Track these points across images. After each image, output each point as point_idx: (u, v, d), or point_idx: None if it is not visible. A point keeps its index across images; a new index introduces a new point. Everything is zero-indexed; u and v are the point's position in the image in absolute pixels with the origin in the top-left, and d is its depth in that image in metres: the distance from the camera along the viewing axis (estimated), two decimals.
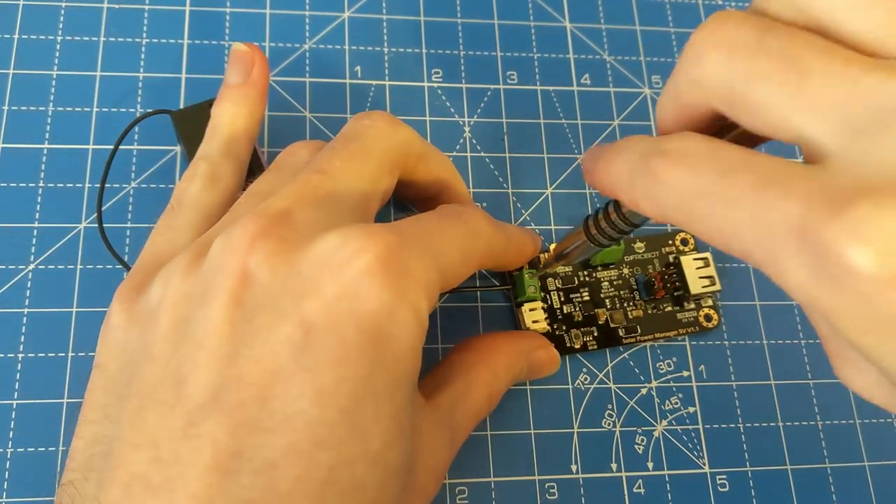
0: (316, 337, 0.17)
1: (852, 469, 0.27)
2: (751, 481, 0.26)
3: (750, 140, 0.15)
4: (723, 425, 0.27)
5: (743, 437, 0.27)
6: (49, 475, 0.24)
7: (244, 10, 0.30)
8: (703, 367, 0.28)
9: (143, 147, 0.28)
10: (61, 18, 0.29)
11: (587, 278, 0.27)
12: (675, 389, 0.27)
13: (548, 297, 0.27)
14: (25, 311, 0.25)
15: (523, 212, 0.29)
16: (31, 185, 0.26)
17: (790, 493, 0.26)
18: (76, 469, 0.19)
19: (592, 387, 0.27)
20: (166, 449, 0.16)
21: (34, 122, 0.27)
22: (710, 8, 0.33)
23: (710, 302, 0.28)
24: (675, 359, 0.28)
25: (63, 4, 0.29)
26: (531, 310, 0.26)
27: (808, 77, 0.13)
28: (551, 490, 0.25)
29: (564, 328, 0.27)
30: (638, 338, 0.27)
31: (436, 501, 0.24)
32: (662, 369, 0.27)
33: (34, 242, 0.26)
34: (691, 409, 0.27)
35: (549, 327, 0.26)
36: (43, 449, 0.24)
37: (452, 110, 0.30)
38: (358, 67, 0.30)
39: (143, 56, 0.29)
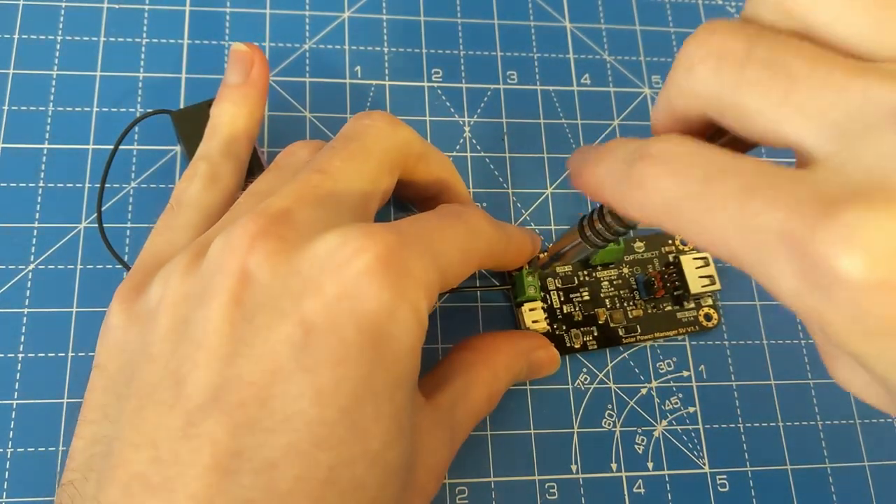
0: (316, 337, 0.17)
1: (852, 469, 0.27)
2: (751, 481, 0.26)
3: (744, 145, 0.15)
4: (723, 425, 0.27)
5: (743, 437, 0.27)
6: (49, 475, 0.24)
7: (244, 10, 0.30)
8: (703, 367, 0.28)
9: (143, 147, 0.28)
10: (61, 18, 0.29)
11: (587, 278, 0.27)
12: (675, 389, 0.27)
13: (548, 296, 0.27)
14: (25, 311, 0.25)
15: (523, 212, 0.29)
16: (31, 185, 0.26)
17: (790, 493, 0.26)
18: (76, 469, 0.19)
19: (592, 387, 0.27)
20: (166, 449, 0.16)
21: (34, 122, 0.27)
22: (709, 8, 0.33)
23: (709, 301, 0.28)
24: (675, 359, 0.28)
25: (63, 4, 0.29)
26: (531, 309, 0.26)
27: (794, 84, 0.13)
28: (551, 490, 0.25)
29: (564, 328, 0.27)
30: (638, 337, 0.27)
31: (436, 501, 0.24)
32: (662, 369, 0.27)
33: (34, 242, 0.26)
34: (691, 409, 0.27)
35: (548, 327, 0.26)
36: (43, 449, 0.24)
37: (452, 110, 0.30)
38: (358, 67, 0.30)
39: (143, 56, 0.29)
